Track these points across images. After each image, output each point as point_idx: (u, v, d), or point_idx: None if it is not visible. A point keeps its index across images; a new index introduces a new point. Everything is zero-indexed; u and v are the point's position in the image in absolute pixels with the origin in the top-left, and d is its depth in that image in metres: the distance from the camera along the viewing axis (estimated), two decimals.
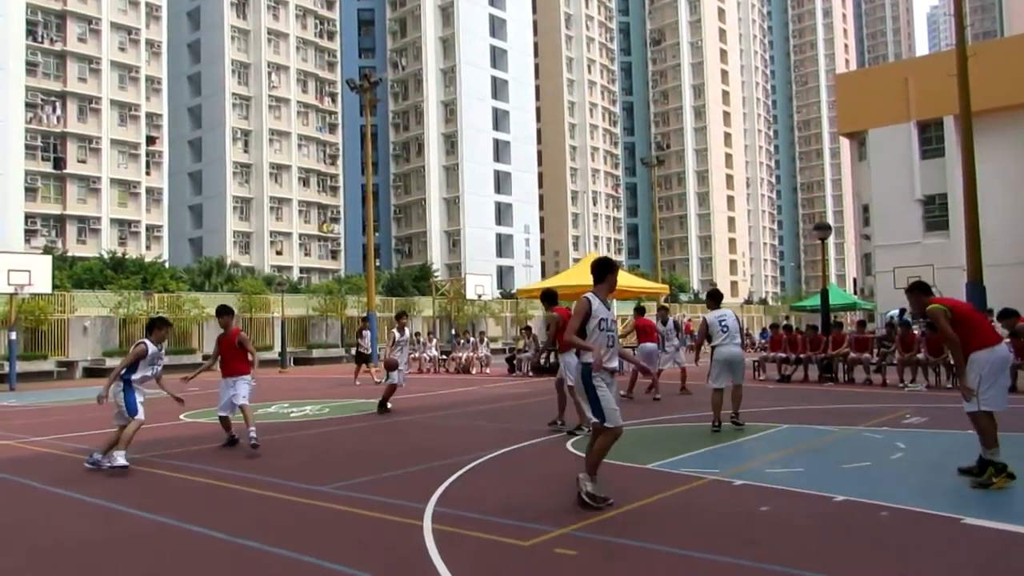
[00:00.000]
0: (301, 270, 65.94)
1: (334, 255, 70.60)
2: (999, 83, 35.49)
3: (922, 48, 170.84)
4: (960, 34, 18.65)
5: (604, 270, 6.29)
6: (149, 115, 57.98)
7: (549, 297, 11.12)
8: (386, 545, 5.12)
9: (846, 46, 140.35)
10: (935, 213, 43.10)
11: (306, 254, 68.01)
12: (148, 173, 57.64)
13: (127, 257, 42.40)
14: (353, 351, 27.27)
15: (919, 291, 6.98)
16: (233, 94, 64.61)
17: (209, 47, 65.98)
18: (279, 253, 65.75)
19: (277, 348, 32.83)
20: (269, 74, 65.80)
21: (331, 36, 72.29)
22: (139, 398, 8.26)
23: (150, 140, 58.00)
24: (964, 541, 4.90)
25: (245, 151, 65.25)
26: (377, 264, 57.60)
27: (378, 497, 6.40)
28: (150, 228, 57.43)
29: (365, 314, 26.51)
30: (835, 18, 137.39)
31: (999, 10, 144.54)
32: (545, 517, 5.57)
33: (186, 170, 66.69)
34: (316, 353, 35.37)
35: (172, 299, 32.65)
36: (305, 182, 68.11)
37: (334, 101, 71.50)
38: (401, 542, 5.14)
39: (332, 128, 71.35)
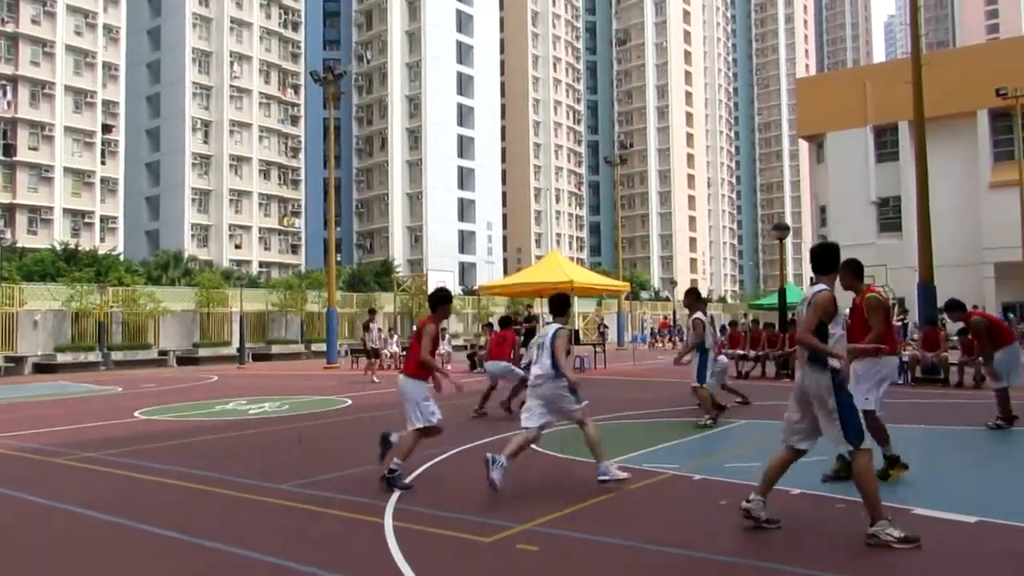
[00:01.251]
0: (261, 264, 65.12)
1: (294, 249, 69.85)
2: (951, 91, 36.32)
3: (879, 55, 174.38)
4: (915, 43, 19.04)
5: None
6: (105, 102, 56.82)
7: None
8: (347, 543, 5.10)
9: (807, 51, 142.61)
10: (889, 215, 44.00)
11: (266, 248, 67.17)
12: (103, 162, 56.47)
13: (80, 249, 41.41)
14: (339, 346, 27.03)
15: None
16: (194, 83, 63.52)
17: (170, 34, 64.76)
18: (238, 247, 64.84)
19: (235, 344, 32.38)
20: (231, 64, 64.84)
21: (295, 27, 71.45)
22: None
23: (106, 128, 56.80)
24: (915, 529, 5.02)
25: (205, 142, 64.20)
26: (338, 259, 57.15)
27: (338, 495, 6.36)
28: (105, 219, 56.24)
29: (372, 307, 26.13)
30: (797, 24, 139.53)
31: (952, 21, 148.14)
32: (507, 513, 5.59)
33: (143, 160, 65.37)
34: (276, 349, 34.97)
35: (127, 293, 32.02)
36: (266, 175, 67.26)
37: (297, 93, 70.71)
38: (362, 540, 5.11)
39: (295, 120, 70.56)
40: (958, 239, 36.92)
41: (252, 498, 6.34)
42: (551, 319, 7.09)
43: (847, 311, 6.63)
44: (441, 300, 7.09)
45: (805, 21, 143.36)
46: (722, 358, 12.74)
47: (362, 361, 27.21)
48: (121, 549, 5.04)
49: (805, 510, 5.65)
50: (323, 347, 30.70)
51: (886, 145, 44.91)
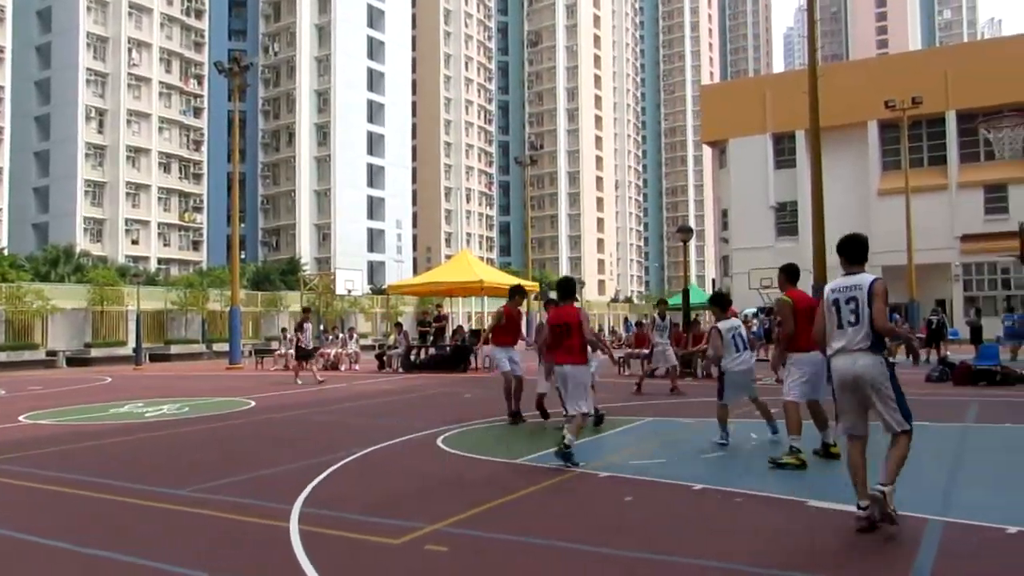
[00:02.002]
0: (159, 261, 62.65)
1: (196, 246, 67.52)
2: (844, 102, 38.10)
3: (779, 65, 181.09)
4: (812, 55, 19.88)
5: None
6: None
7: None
8: (250, 548, 4.96)
9: (711, 59, 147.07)
10: (786, 219, 45.83)
11: (165, 244, 64.66)
12: None
13: None
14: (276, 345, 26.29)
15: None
16: (88, 69, 60.47)
17: (61, 16, 61.40)
18: (135, 242, 62.19)
19: (131, 344, 31.07)
20: (129, 50, 62.06)
21: (199, 15, 68.99)
22: None
23: None
24: (808, 521, 5.27)
25: (99, 131, 61.26)
26: (242, 257, 55.64)
27: (241, 499, 6.18)
28: None
29: (306, 305, 25.37)
30: (702, 32, 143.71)
31: (845, 36, 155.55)
32: (416, 514, 5.55)
33: (31, 149, 61.81)
34: (175, 349, 33.74)
35: (12, 290, 30.32)
36: (166, 167, 64.73)
37: (200, 84, 68.33)
38: (266, 545, 4.98)
39: (197, 112, 68.15)
40: None
41: (149, 504, 6.09)
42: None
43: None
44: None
45: (710, 30, 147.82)
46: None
47: (267, 362, 26.67)
48: (1, 564, 4.77)
49: (705, 504, 5.82)
50: (226, 347, 29.80)
51: (784, 152, 46.80)
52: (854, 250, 5.22)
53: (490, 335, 11.47)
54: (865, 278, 5.08)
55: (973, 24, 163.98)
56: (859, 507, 4.90)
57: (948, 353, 19.72)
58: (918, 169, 41.41)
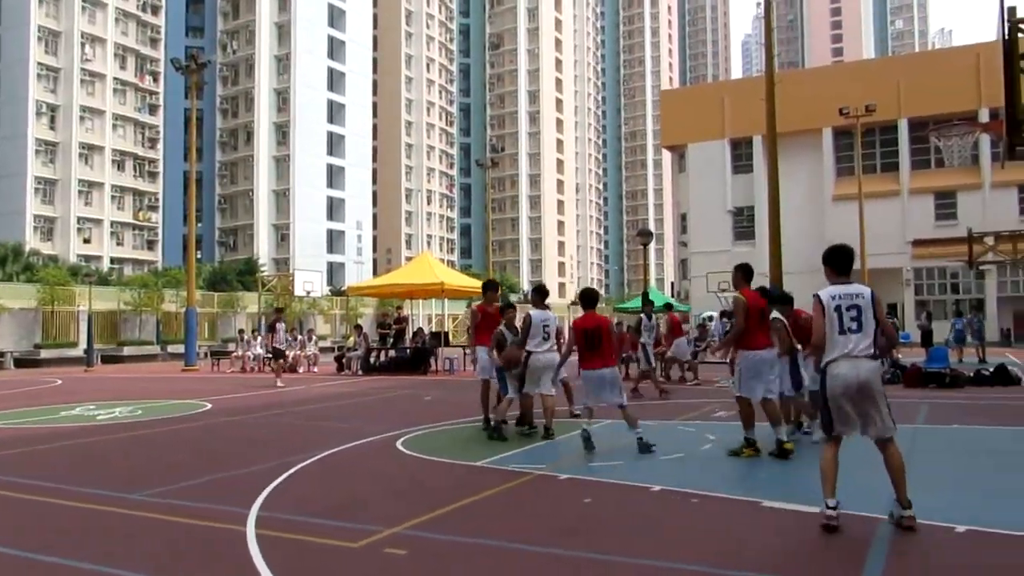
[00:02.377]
0: (113, 261, 61.41)
1: (151, 246, 66.33)
2: (800, 109, 38.77)
3: (737, 72, 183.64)
4: (769, 63, 20.23)
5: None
6: None
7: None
8: (206, 553, 4.90)
9: (671, 65, 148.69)
10: (744, 223, 46.50)
11: (119, 243, 63.37)
12: None
13: None
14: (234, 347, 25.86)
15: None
16: (39, 64, 59.02)
17: (12, 10, 59.81)
18: (87, 241, 60.86)
19: (83, 345, 30.39)
20: (83, 45, 60.70)
21: (155, 11, 67.80)
22: None
23: None
24: (762, 521, 5.36)
25: (51, 128, 59.83)
26: (199, 257, 54.77)
27: (197, 503, 6.10)
28: None
29: (278, 306, 24.86)
30: (662, 38, 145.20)
31: (801, 44, 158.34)
32: (376, 517, 5.53)
33: None
34: (128, 351, 33.09)
35: None
36: (120, 165, 63.47)
37: (156, 81, 67.15)
38: (223, 549, 4.92)
39: (153, 109, 66.95)
40: (805, 247, 39.25)
41: (102, 509, 5.98)
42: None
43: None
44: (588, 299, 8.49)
45: (669, 36, 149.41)
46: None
47: (223, 363, 26.31)
48: None
49: (663, 506, 5.89)
50: (181, 349, 29.32)
51: (741, 157, 47.49)
52: (844, 261, 5.31)
53: (472, 335, 10.88)
54: (863, 287, 5.22)
55: (924, 34, 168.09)
56: (828, 506, 4.97)
57: (899, 356, 20.15)
58: (871, 175, 42.33)
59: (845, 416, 5.08)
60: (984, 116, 37.11)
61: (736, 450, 7.69)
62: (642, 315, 16.17)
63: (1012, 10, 9.36)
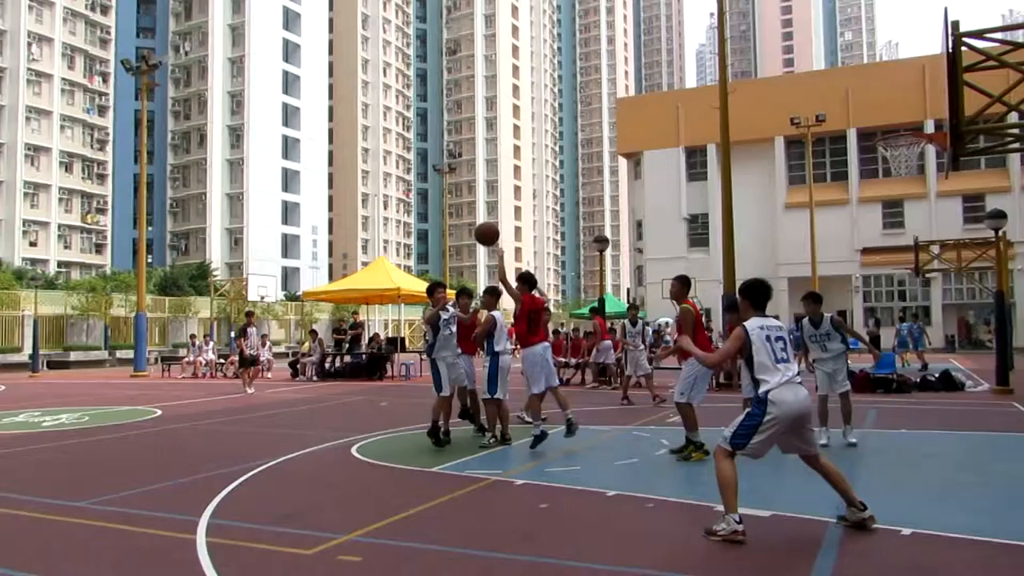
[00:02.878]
0: (60, 264, 59.91)
1: (99, 249, 64.83)
2: (753, 118, 39.44)
3: (691, 80, 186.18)
4: (722, 72, 20.52)
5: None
6: None
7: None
8: (155, 562, 4.79)
9: (627, 73, 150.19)
10: (698, 231, 47.10)
11: (66, 247, 61.85)
12: None
13: None
14: (184, 353, 25.27)
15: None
16: None
17: None
18: (33, 244, 59.27)
19: (28, 350, 29.59)
20: (29, 44, 59.15)
21: (104, 11, 66.36)
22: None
23: None
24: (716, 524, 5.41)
25: None
26: (149, 261, 53.70)
27: (146, 511, 5.96)
28: None
29: (249, 309, 24.19)
30: (617, 46, 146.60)
31: (754, 53, 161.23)
32: (329, 524, 5.47)
33: None
34: (75, 356, 32.32)
35: None
36: (68, 167, 61.96)
37: (105, 81, 65.70)
38: (172, 558, 4.82)
39: (102, 111, 65.50)
40: (758, 255, 40.10)
41: (45, 518, 5.81)
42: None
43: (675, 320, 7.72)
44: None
45: (625, 44, 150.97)
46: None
47: (174, 369, 25.83)
48: None
49: (618, 510, 5.92)
50: (130, 354, 28.71)
51: (696, 165, 48.12)
52: (763, 296, 5.38)
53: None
54: (779, 322, 5.38)
55: (872, 46, 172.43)
56: (736, 521, 4.94)
57: (848, 362, 20.54)
58: (822, 184, 43.21)
59: (772, 440, 5.09)
60: (930, 127, 38.20)
61: (684, 454, 7.97)
62: (626, 321, 16.27)
63: (956, 24, 9.64)
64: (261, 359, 22.27)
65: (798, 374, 5.13)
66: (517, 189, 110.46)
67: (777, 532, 5.29)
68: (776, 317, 5.45)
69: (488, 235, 8.97)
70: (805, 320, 9.34)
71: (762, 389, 5.07)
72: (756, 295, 5.37)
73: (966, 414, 12.17)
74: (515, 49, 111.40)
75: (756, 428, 5.04)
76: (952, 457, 8.39)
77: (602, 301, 22.38)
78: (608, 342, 18.10)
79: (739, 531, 4.89)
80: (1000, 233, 17.01)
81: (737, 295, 5.45)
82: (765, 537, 5.07)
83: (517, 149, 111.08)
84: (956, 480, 7.08)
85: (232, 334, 27.98)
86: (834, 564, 4.53)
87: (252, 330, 18.09)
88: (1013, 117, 11.50)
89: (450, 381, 9.05)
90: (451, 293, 11.08)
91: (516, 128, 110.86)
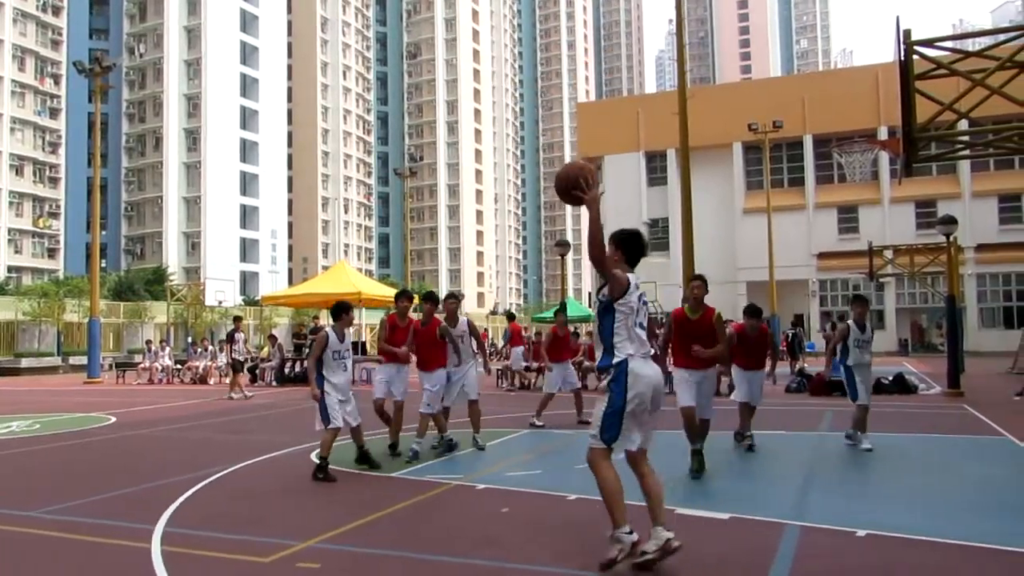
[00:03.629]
0: (10, 269, 58.36)
1: (52, 254, 63.33)
2: (712, 123, 39.88)
3: (651, 86, 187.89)
4: (681, 78, 20.74)
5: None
6: None
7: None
8: (109, 572, 4.68)
9: (587, 78, 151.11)
10: (659, 235, 47.45)
11: (16, 251, 60.32)
12: None
13: None
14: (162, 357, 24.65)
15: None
16: None
17: None
18: None
19: None
20: None
21: (56, 12, 64.90)
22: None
23: None
24: (675, 527, 5.41)
25: None
26: (103, 265, 52.60)
27: (99, 520, 5.83)
28: None
29: (237, 314, 23.70)
30: (578, 51, 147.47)
31: (712, 60, 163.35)
32: (288, 531, 5.39)
33: None
34: (26, 362, 31.49)
35: None
36: (18, 171, 60.44)
37: (57, 83, 64.26)
38: (126, 567, 4.72)
39: (54, 113, 64.04)
40: (716, 259, 40.53)
41: None
42: None
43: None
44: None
45: (586, 49, 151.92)
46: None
47: (129, 375, 25.31)
48: None
49: (579, 514, 5.93)
50: (84, 360, 28.06)
51: (656, 170, 48.52)
52: (639, 252, 4.76)
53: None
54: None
55: (828, 54, 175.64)
56: (627, 532, 4.38)
57: (805, 365, 20.88)
58: (779, 189, 43.83)
59: (640, 424, 4.52)
60: (883, 134, 38.99)
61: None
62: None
63: (908, 33, 9.85)
64: (155, 365, 22.56)
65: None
66: (479, 193, 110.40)
67: (735, 535, 5.34)
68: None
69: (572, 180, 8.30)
70: (851, 323, 8.91)
71: (619, 359, 4.47)
72: (633, 248, 4.72)
73: (919, 416, 12.41)
74: (476, 53, 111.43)
75: (622, 411, 4.44)
76: (906, 459, 8.54)
77: (564, 305, 22.43)
78: (521, 348, 18.20)
79: (626, 545, 4.35)
80: (951, 238, 17.42)
81: (608, 242, 4.62)
82: (724, 540, 5.12)
83: (479, 153, 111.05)
84: (910, 482, 7.22)
85: (220, 339, 27.49)
86: (790, 567, 4.58)
87: (240, 335, 17.98)
88: (963, 124, 11.80)
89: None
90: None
91: (478, 132, 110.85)
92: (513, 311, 26.74)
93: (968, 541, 4.99)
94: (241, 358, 18.10)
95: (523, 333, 20.89)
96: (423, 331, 8.70)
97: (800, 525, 5.40)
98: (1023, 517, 5.75)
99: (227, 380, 23.03)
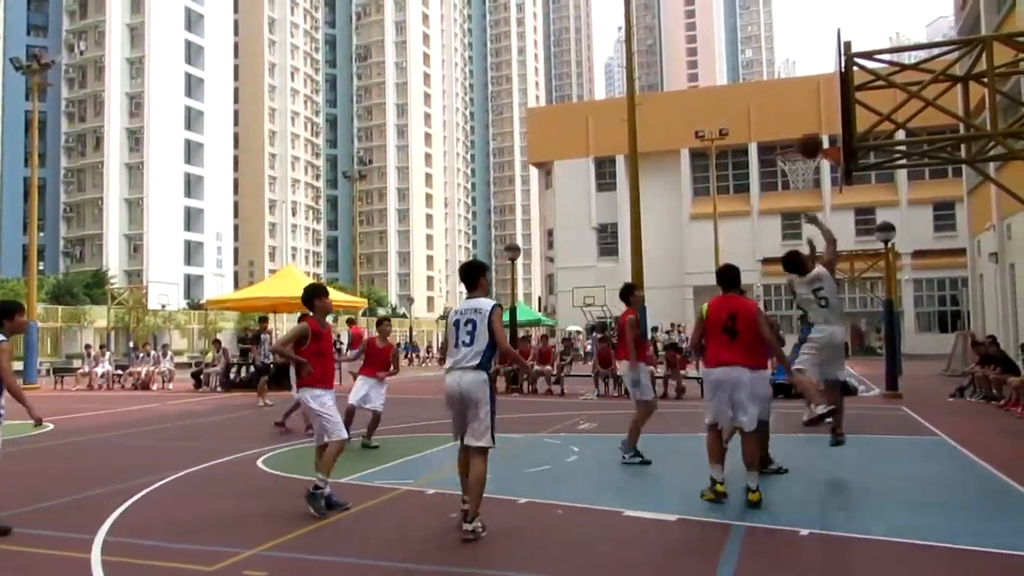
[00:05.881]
0: None
1: None
2: (660, 130, 40.45)
3: (601, 92, 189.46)
4: (630, 85, 20.99)
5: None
6: None
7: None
8: None
9: (537, 83, 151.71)
10: (608, 240, 47.92)
11: None
12: None
13: None
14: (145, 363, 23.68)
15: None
16: None
17: None
18: None
19: None
20: None
21: None
22: None
23: None
24: (623, 530, 5.52)
25: None
26: (41, 268, 51.08)
27: (37, 530, 5.67)
28: None
29: (264, 315, 22.59)
30: (528, 56, 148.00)
31: (660, 68, 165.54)
32: (233, 538, 5.31)
33: None
34: None
35: None
36: None
37: None
38: None
39: None
40: (665, 263, 41.11)
41: None
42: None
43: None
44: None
45: (536, 55, 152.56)
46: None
47: (67, 381, 24.57)
48: None
49: (529, 517, 5.96)
50: (20, 366, 27.16)
51: (605, 175, 49.01)
52: (473, 275, 5.71)
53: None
54: (485, 302, 5.49)
55: (772, 63, 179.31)
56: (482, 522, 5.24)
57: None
58: (725, 196, 44.63)
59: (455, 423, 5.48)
60: (824, 143, 39.97)
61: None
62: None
63: (848, 44, 10.12)
64: (95, 371, 22.10)
65: (477, 357, 5.26)
66: (429, 197, 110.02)
67: (683, 535, 5.43)
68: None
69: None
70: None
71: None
72: (464, 275, 5.75)
73: (858, 418, 12.72)
74: (426, 57, 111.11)
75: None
76: (845, 460, 8.74)
77: (514, 310, 22.48)
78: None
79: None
80: (889, 244, 17.95)
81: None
82: (671, 540, 5.19)
83: (428, 157, 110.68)
84: (850, 482, 7.42)
85: (238, 342, 26.38)
86: (737, 563, 4.67)
87: (265, 337, 17.05)
88: (901, 135, 12.17)
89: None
90: (362, 301, 10.95)
91: (427, 136, 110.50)
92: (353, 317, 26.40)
93: (906, 539, 5.14)
94: (269, 362, 16.90)
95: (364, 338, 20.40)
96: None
97: (745, 525, 5.50)
98: (959, 514, 5.95)
99: (170, 387, 22.62)
